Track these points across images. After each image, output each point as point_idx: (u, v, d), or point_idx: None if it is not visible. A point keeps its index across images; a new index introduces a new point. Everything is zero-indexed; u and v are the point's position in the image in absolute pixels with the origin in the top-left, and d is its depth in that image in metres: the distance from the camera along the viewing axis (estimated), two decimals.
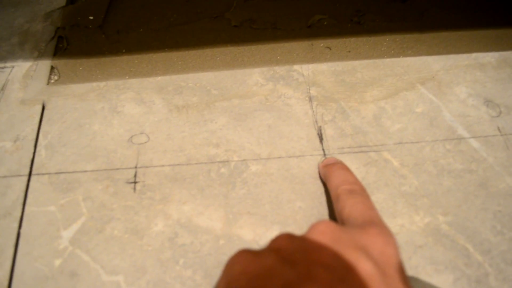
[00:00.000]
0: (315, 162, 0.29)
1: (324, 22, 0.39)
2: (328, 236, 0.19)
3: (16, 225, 0.26)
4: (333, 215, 0.27)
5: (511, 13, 0.39)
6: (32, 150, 0.30)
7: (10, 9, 0.40)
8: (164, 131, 0.31)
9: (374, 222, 0.20)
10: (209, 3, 0.41)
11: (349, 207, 0.22)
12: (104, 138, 0.31)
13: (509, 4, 0.40)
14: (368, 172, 0.29)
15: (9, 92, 0.33)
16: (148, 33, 0.38)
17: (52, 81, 0.34)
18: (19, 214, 0.27)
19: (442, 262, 0.25)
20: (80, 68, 0.35)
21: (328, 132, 0.31)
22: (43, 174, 0.29)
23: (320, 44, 0.37)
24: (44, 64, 0.35)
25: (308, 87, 0.33)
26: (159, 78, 0.34)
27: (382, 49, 0.36)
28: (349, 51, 0.36)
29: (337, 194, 0.24)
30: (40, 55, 0.36)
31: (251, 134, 0.31)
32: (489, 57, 0.35)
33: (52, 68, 0.35)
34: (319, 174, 0.28)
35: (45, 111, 0.32)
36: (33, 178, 0.28)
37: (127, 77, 0.35)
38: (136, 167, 0.29)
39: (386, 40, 0.37)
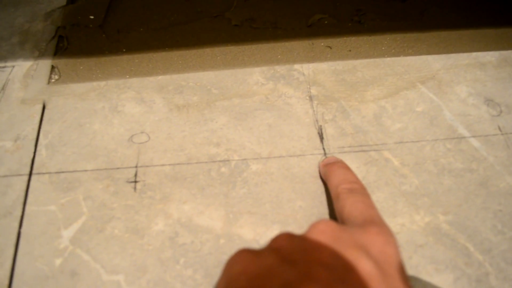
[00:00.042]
0: (315, 161, 0.29)
1: (324, 21, 0.39)
2: (328, 235, 0.19)
3: (16, 224, 0.26)
4: (333, 214, 0.27)
5: (511, 12, 0.39)
6: (32, 150, 0.30)
7: (10, 9, 0.40)
8: (164, 130, 0.31)
9: (374, 221, 0.20)
10: (209, 2, 0.41)
11: (349, 206, 0.22)
12: (104, 137, 0.31)
13: (509, 4, 0.40)
14: (369, 171, 0.29)
15: (9, 91, 0.33)
16: (149, 32, 0.38)
17: (53, 80, 0.35)
18: (19, 214, 0.27)
19: (442, 262, 0.25)
20: (81, 68, 0.35)
21: (328, 131, 0.31)
22: (43, 173, 0.29)
23: (321, 43, 0.37)
24: (45, 64, 0.36)
25: (308, 86, 0.33)
26: (160, 77, 0.34)
27: (383, 48, 0.36)
28: (350, 50, 0.36)
29: (337, 193, 0.24)
30: (41, 55, 0.36)
31: (252, 133, 0.31)
32: (490, 56, 0.35)
33: (52, 67, 0.35)
34: (319, 173, 0.28)
35: (46, 111, 0.32)
36: (33, 177, 0.29)
37: (127, 76, 0.35)
38: (136, 167, 0.29)
39: (386, 39, 0.37)
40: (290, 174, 0.29)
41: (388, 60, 0.35)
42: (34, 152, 0.30)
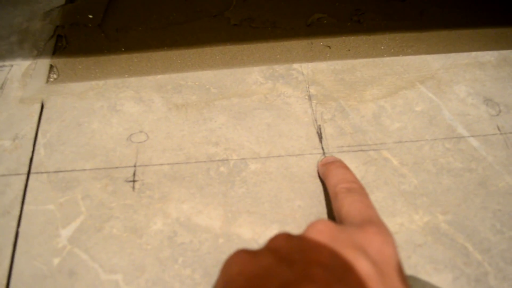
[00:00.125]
0: (314, 160, 0.29)
1: (323, 20, 0.39)
2: (326, 235, 0.19)
3: (14, 223, 0.26)
4: (332, 214, 0.27)
5: (511, 12, 0.39)
6: (31, 149, 0.30)
7: (9, 8, 0.40)
8: (163, 129, 0.31)
9: (373, 221, 0.20)
10: (208, 1, 0.40)
11: (348, 205, 0.22)
12: (103, 136, 0.30)
13: (508, 4, 0.40)
14: (368, 171, 0.28)
15: (8, 90, 0.33)
16: (147, 31, 0.38)
17: (51, 79, 0.34)
18: (17, 213, 0.27)
19: (441, 261, 0.25)
20: (79, 67, 0.35)
21: (327, 130, 0.31)
22: (42, 172, 0.29)
23: (320, 42, 0.37)
24: (43, 63, 0.35)
25: (307, 86, 0.33)
26: (159, 76, 0.34)
27: (382, 47, 0.36)
28: (349, 50, 0.36)
29: (336, 193, 0.24)
30: (39, 54, 0.36)
31: (251, 132, 0.31)
32: (489, 56, 0.35)
33: (51, 66, 0.35)
34: (318, 172, 0.28)
35: (44, 110, 0.32)
36: (31, 176, 0.28)
37: (126, 75, 0.35)
38: (135, 166, 0.29)
39: (385, 38, 0.37)
40: (289, 173, 0.28)
41: (387, 59, 0.35)
42: (33, 151, 0.30)
